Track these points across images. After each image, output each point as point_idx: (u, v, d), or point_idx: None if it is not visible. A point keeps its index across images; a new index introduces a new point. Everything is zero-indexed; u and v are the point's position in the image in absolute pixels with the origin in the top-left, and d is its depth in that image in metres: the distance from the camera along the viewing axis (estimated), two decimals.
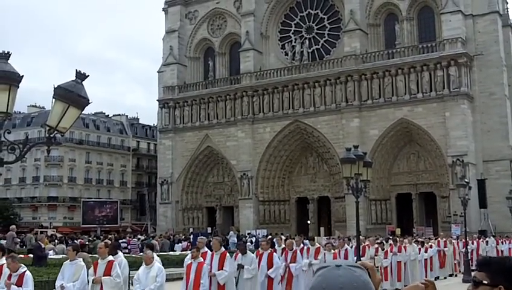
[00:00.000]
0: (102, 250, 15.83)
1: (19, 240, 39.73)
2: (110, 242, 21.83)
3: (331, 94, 75.17)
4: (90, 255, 29.18)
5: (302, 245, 25.25)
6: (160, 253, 40.00)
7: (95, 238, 47.05)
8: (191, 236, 58.22)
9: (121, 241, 40.76)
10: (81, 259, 15.78)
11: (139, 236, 59.92)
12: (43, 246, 29.97)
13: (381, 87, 72.28)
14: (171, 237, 57.84)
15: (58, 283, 15.15)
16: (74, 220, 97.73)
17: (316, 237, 52.81)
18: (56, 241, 44.91)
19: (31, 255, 30.36)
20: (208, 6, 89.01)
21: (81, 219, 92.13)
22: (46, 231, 67.71)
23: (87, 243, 41.41)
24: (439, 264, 36.38)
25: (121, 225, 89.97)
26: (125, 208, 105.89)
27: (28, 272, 13.95)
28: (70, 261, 15.51)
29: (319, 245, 25.71)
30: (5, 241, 38.14)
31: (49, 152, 10.46)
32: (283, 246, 24.26)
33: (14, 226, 40.94)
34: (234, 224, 78.34)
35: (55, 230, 76.81)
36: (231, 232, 60.41)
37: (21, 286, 13.62)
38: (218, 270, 17.86)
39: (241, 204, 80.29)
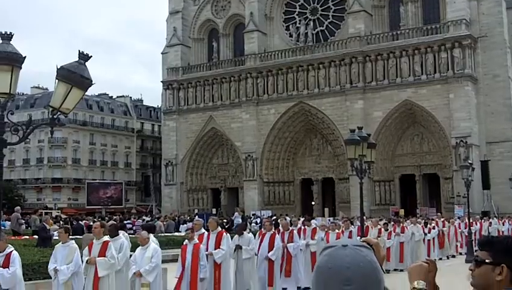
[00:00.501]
0: (97, 230, 15.63)
1: (24, 221, 39.84)
2: (112, 223, 21.79)
3: (335, 76, 75.10)
4: None
5: (299, 226, 25.20)
6: (166, 234, 40.16)
7: (99, 220, 47.11)
8: (196, 217, 58.30)
9: (125, 222, 40.89)
10: (73, 241, 15.46)
11: (143, 217, 60.07)
12: (47, 227, 30.04)
13: (385, 68, 72.23)
14: (176, 218, 57.98)
15: (51, 266, 14.87)
16: (79, 202, 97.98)
17: (321, 218, 53.16)
18: (61, 222, 45.02)
19: (36, 237, 30.43)
20: None
21: (85, 200, 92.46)
22: (51, 212, 67.94)
23: (91, 224, 41.45)
24: (439, 244, 36.39)
25: (125, 206, 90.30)
26: (130, 189, 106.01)
27: (14, 252, 13.73)
28: (62, 243, 15.20)
29: (315, 226, 25.67)
30: (10, 222, 38.33)
31: (53, 133, 10.47)
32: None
33: (18, 208, 41.04)
34: (239, 205, 78.46)
35: (59, 211, 77.05)
36: (236, 213, 60.53)
37: (7, 267, 13.50)
38: (215, 249, 17.83)
39: (246, 185, 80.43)
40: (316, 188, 79.93)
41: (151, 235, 16.84)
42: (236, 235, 19.67)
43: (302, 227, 25.13)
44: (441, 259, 34.21)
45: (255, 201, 78.47)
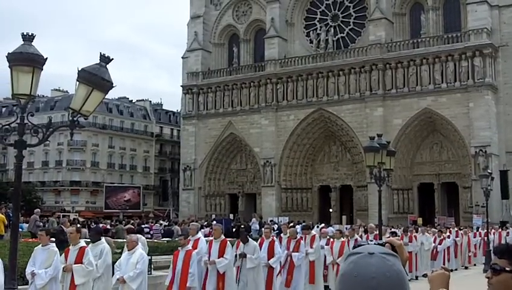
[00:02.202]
0: (73, 235, 14.78)
1: (42, 223, 39.95)
2: (94, 227, 21.36)
3: (355, 83, 74.97)
4: (113, 239, 29.46)
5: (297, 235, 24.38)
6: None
7: (117, 223, 47.20)
8: (213, 223, 58.27)
9: (143, 226, 40.94)
10: (53, 244, 14.73)
11: (161, 222, 60.07)
12: (65, 230, 30.15)
13: (405, 76, 72.03)
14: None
15: (28, 270, 14.26)
16: (97, 205, 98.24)
17: (338, 225, 52.98)
18: (78, 225, 45.20)
19: (53, 239, 30.50)
20: None
21: (103, 203, 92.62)
22: (69, 215, 68.17)
23: (108, 227, 41.64)
24: (454, 254, 35.99)
25: (143, 210, 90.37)
26: (148, 193, 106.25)
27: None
28: (42, 246, 14.51)
29: (314, 233, 24.62)
30: (27, 224, 38.46)
31: (72, 135, 10.53)
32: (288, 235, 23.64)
33: (38, 210, 41.12)
34: (256, 211, 78.38)
35: (77, 214, 77.23)
36: (253, 219, 60.42)
37: None
38: (218, 258, 17.36)
39: (264, 191, 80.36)
40: (334, 195, 79.71)
41: (140, 242, 16.15)
42: (241, 244, 18.99)
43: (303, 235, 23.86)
44: (456, 269, 33.97)
45: (272, 207, 78.37)
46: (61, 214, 62.83)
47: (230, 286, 17.61)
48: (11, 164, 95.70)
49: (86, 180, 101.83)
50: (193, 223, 22.11)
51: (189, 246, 16.78)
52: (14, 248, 9.96)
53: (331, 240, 24.13)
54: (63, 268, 14.21)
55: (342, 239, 23.84)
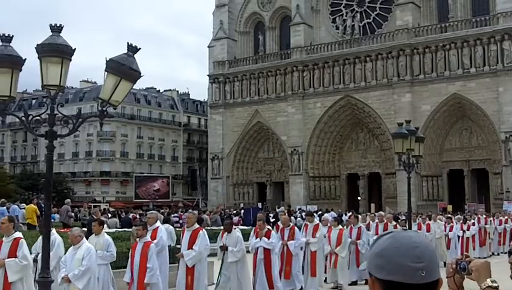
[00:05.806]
0: (5, 225, 12.93)
1: (73, 214, 40.27)
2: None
3: (382, 69, 74.57)
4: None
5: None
6: (212, 227, 40.30)
7: (146, 213, 47.46)
8: (242, 211, 58.37)
9: (173, 215, 41.13)
10: None
11: (190, 211, 60.28)
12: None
13: (433, 61, 71.54)
14: (222, 211, 57.99)
15: None
16: (127, 195, 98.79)
17: (360, 215, 52.51)
18: (108, 214, 45.41)
19: (85, 229, 30.66)
20: None
21: (133, 193, 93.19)
22: (99, 205, 68.62)
23: (138, 216, 41.81)
24: (479, 242, 35.00)
25: (172, 200, 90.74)
26: (177, 183, 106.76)
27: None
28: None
29: (318, 222, 22.76)
30: (59, 215, 38.76)
31: (102, 125, 10.55)
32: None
33: (69, 200, 41.51)
34: (284, 199, 78.42)
35: (108, 204, 77.77)
36: (281, 208, 60.41)
37: None
38: (188, 249, 15.79)
39: (292, 180, 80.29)
40: (362, 183, 79.51)
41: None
42: (225, 233, 17.49)
43: (304, 223, 22.94)
44: (479, 258, 33.26)
45: (300, 196, 78.33)
46: (92, 204, 63.37)
47: (199, 281, 15.99)
48: (42, 156, 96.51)
49: (115, 171, 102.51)
50: (151, 211, 20.58)
51: (148, 237, 15.04)
52: (47, 238, 10.05)
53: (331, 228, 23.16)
54: None
55: (340, 227, 22.91)
